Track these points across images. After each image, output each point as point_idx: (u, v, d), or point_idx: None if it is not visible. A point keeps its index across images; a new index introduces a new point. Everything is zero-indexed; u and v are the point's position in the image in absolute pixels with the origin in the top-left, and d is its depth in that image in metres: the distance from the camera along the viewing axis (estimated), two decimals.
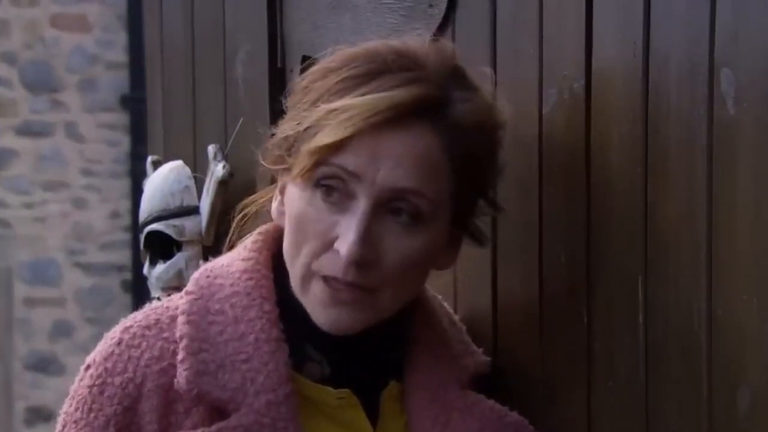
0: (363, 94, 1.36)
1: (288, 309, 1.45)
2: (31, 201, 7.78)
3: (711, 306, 1.29)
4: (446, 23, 1.69)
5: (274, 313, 1.44)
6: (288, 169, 1.42)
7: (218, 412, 1.40)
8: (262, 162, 1.47)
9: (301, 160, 1.38)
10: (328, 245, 1.38)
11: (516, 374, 1.57)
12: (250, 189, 1.56)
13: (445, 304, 1.57)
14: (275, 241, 1.50)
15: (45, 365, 7.74)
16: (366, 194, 1.37)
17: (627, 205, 1.40)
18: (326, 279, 1.39)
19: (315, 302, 1.41)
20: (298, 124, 1.40)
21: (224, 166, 2.33)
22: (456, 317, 1.58)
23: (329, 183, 1.37)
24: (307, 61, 1.48)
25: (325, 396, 1.45)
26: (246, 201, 1.55)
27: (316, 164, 1.37)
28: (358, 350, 1.45)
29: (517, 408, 1.51)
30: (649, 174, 1.37)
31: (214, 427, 1.38)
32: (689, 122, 1.31)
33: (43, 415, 7.63)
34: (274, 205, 1.47)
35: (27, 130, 7.76)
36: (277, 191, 1.47)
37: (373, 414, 1.47)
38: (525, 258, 1.56)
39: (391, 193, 1.37)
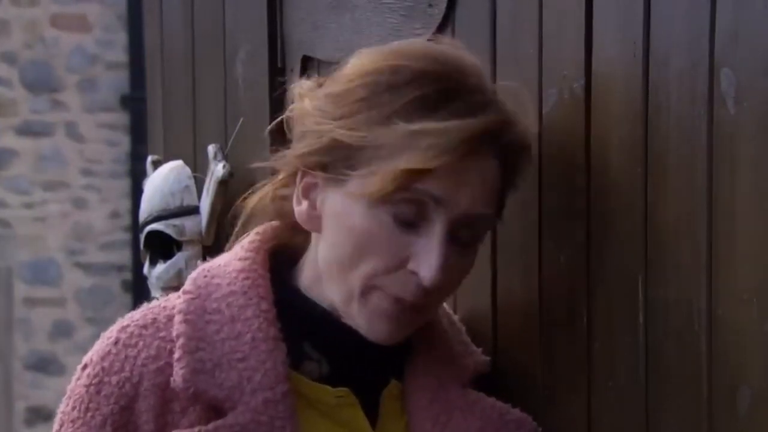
0: (441, 119, 1.35)
1: (286, 308, 1.45)
2: (31, 201, 7.78)
3: (711, 306, 1.29)
4: (446, 23, 1.69)
5: (271, 313, 1.44)
6: (338, 180, 1.39)
7: (215, 411, 1.40)
8: (284, 159, 1.44)
9: (379, 180, 1.35)
10: (398, 265, 1.39)
11: (516, 374, 1.57)
12: (250, 188, 1.56)
13: (444, 305, 1.57)
14: (273, 241, 1.50)
15: (45, 365, 7.74)
16: (443, 219, 1.37)
17: (627, 204, 1.40)
18: (391, 296, 1.40)
19: (375, 314, 1.41)
20: (363, 136, 1.37)
21: (224, 166, 2.33)
22: (455, 317, 1.58)
23: (407, 206, 1.37)
24: (336, 65, 1.46)
25: (323, 395, 1.45)
26: (263, 188, 1.52)
27: (399, 188, 1.36)
28: (358, 349, 1.45)
29: (517, 408, 1.51)
30: (649, 174, 1.37)
31: (211, 426, 1.38)
32: (689, 122, 1.31)
33: (43, 415, 7.63)
34: (300, 208, 1.44)
35: (27, 130, 7.76)
36: (299, 194, 1.44)
37: (373, 414, 1.48)
38: (525, 258, 1.56)
39: (464, 218, 1.39)
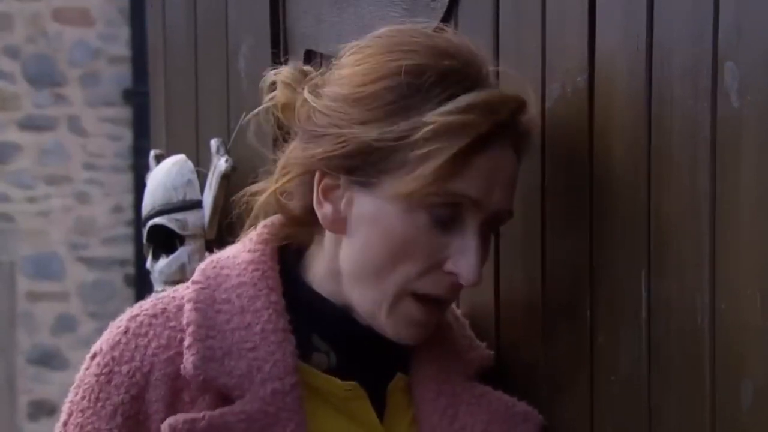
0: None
1: (295, 300, 1.45)
2: (34, 195, 7.78)
3: (714, 300, 1.29)
4: (449, 17, 1.69)
5: (280, 304, 1.44)
6: (369, 183, 1.38)
7: (224, 400, 1.40)
8: (310, 163, 1.42)
9: (418, 178, 1.35)
10: (435, 266, 1.39)
11: (519, 368, 1.57)
12: (252, 183, 1.55)
13: None
14: (281, 234, 1.49)
15: (48, 359, 7.74)
16: (477, 218, 1.39)
17: (630, 198, 1.40)
18: (421, 298, 1.40)
19: (405, 320, 1.42)
20: (396, 140, 1.36)
21: (227, 160, 2.33)
22: (458, 312, 1.58)
23: (444, 208, 1.37)
24: (328, 59, 1.45)
25: (332, 387, 1.45)
26: (266, 185, 1.50)
27: (435, 184, 1.35)
28: (365, 342, 1.45)
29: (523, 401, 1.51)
30: (653, 168, 1.37)
31: (217, 412, 1.38)
32: (693, 116, 1.31)
33: (46, 409, 7.63)
34: (324, 212, 1.42)
35: (30, 124, 7.76)
36: (319, 196, 1.42)
37: (380, 406, 1.48)
38: (527, 252, 1.56)
39: (494, 216, 1.41)
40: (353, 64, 1.42)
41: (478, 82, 1.39)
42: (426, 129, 1.35)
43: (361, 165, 1.38)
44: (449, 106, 1.36)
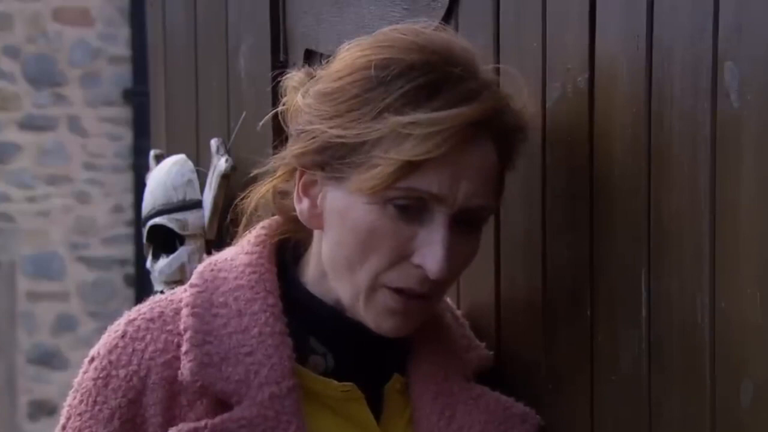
0: (435, 109, 1.35)
1: (292, 302, 1.45)
2: (34, 195, 7.79)
3: (714, 299, 1.29)
4: (449, 16, 1.69)
5: (278, 307, 1.44)
6: (337, 178, 1.39)
7: (221, 405, 1.40)
8: (282, 158, 1.44)
9: (377, 175, 1.35)
10: (402, 258, 1.39)
11: (519, 368, 1.58)
12: (252, 183, 1.56)
13: (448, 299, 1.58)
14: (278, 235, 1.50)
15: (48, 359, 7.75)
16: (444, 213, 1.38)
17: (630, 197, 1.40)
18: (398, 290, 1.40)
19: (383, 310, 1.41)
20: (357, 134, 1.36)
21: (227, 160, 2.33)
22: (459, 312, 1.58)
23: (408, 201, 1.37)
24: (327, 58, 1.46)
25: (328, 389, 1.45)
26: (264, 185, 1.52)
27: (397, 180, 1.35)
28: (362, 344, 1.45)
29: (521, 402, 1.51)
30: (653, 168, 1.37)
31: (218, 419, 1.38)
32: (693, 115, 1.31)
33: (46, 409, 7.63)
34: (301, 207, 1.44)
35: (30, 124, 7.77)
36: (299, 192, 1.44)
37: (376, 407, 1.48)
38: (528, 251, 1.56)
39: (465, 210, 1.39)
40: (333, 62, 1.43)
41: (450, 77, 1.36)
42: (388, 128, 1.35)
43: (329, 161, 1.39)
44: (407, 119, 1.34)
